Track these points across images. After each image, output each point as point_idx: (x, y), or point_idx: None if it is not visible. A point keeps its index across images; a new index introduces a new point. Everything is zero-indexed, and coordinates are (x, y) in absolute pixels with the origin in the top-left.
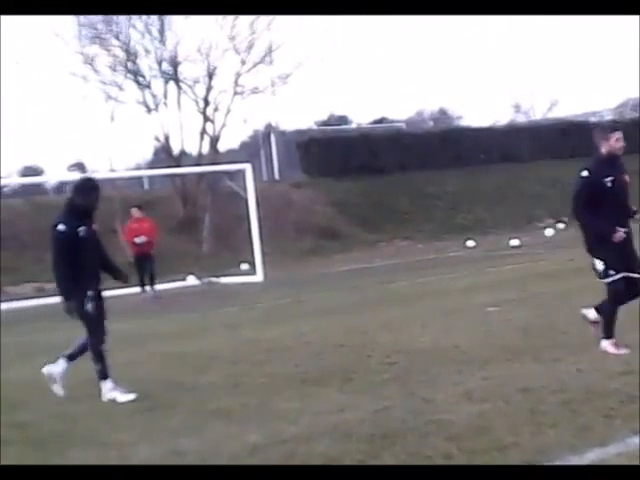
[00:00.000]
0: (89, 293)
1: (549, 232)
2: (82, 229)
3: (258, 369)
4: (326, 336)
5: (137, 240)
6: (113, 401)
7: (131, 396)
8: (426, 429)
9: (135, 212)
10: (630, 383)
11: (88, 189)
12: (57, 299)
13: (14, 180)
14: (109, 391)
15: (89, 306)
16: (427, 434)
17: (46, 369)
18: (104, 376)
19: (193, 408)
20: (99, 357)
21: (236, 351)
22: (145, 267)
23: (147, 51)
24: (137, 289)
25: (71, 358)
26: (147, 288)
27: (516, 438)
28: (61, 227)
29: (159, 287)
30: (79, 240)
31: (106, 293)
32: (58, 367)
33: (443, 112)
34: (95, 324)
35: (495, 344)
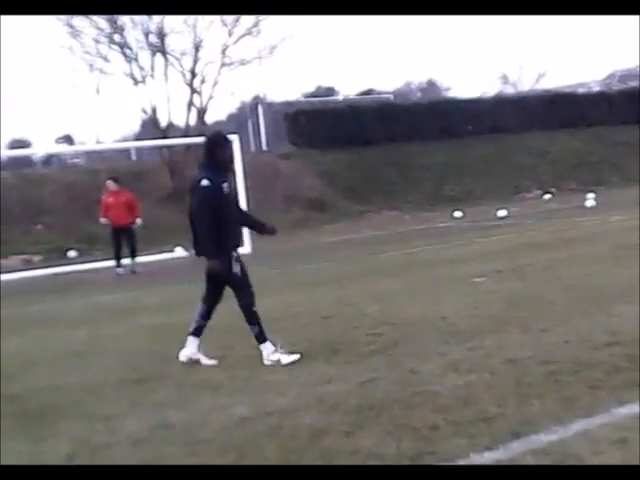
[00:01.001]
0: (234, 254)
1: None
2: (225, 185)
3: (246, 341)
4: (313, 308)
5: (102, 220)
6: (276, 363)
7: (295, 356)
8: (412, 400)
9: (111, 185)
10: (616, 354)
11: (225, 142)
12: (46, 271)
13: (2, 153)
14: (271, 353)
15: (237, 268)
16: (413, 405)
17: (182, 356)
18: (263, 339)
19: (181, 380)
20: (254, 319)
21: (223, 322)
22: (121, 241)
23: (134, 23)
24: (112, 262)
25: (197, 333)
26: (124, 262)
27: (502, 409)
28: (205, 182)
29: (147, 259)
30: (224, 196)
31: (97, 265)
32: (191, 347)
33: (431, 83)
34: (244, 285)
35: (482, 315)
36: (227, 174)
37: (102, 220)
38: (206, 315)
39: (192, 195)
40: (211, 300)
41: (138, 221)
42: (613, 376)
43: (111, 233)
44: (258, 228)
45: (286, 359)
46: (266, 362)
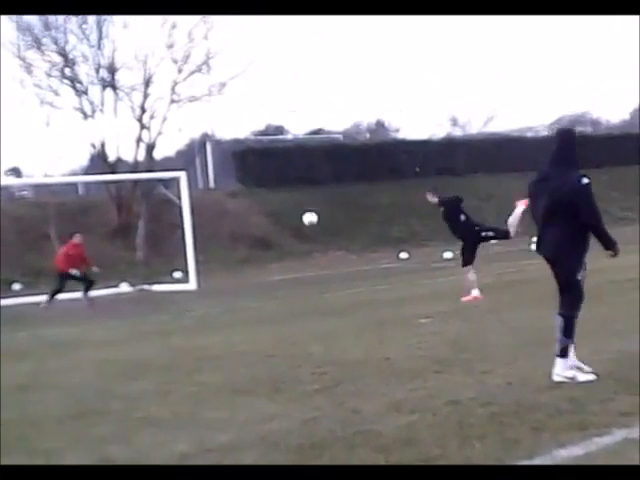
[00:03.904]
0: (584, 259)
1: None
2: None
3: (188, 378)
4: (257, 346)
5: (73, 272)
6: (570, 380)
7: (591, 377)
8: (354, 440)
9: (77, 238)
10: (558, 397)
11: (575, 136)
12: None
13: None
14: (566, 369)
15: (581, 274)
16: (355, 445)
17: (556, 376)
18: (564, 353)
19: (123, 415)
20: (572, 332)
21: (167, 359)
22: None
23: (85, 57)
24: (44, 297)
25: (563, 354)
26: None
27: (443, 450)
28: (587, 180)
29: (92, 294)
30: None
31: (40, 299)
32: (563, 365)
33: (380, 124)
34: (582, 296)
35: (425, 356)
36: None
37: (73, 272)
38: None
39: (545, 192)
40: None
41: (94, 269)
42: (555, 418)
43: (60, 276)
44: (606, 243)
45: (582, 377)
46: (556, 378)
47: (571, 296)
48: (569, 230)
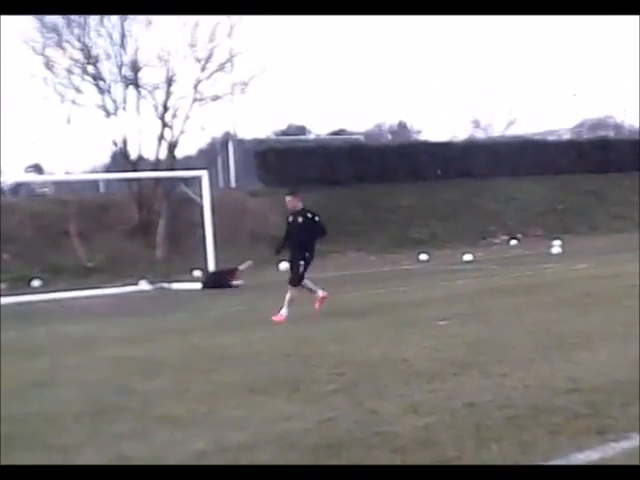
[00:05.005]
0: None
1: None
2: None
3: (206, 376)
4: (275, 345)
5: None
6: None
7: None
8: (371, 441)
9: None
10: (576, 401)
11: None
12: (10, 299)
13: None
14: None
15: None
16: (372, 446)
17: None
18: None
19: (140, 413)
20: None
21: (185, 358)
22: None
23: (107, 55)
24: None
25: None
26: None
27: (460, 452)
28: None
29: (110, 291)
30: None
31: (59, 295)
32: None
33: (402, 126)
34: None
35: (443, 358)
36: None
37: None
38: None
39: None
40: None
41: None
42: (572, 422)
43: None
44: None
45: None
46: None
47: None
48: None
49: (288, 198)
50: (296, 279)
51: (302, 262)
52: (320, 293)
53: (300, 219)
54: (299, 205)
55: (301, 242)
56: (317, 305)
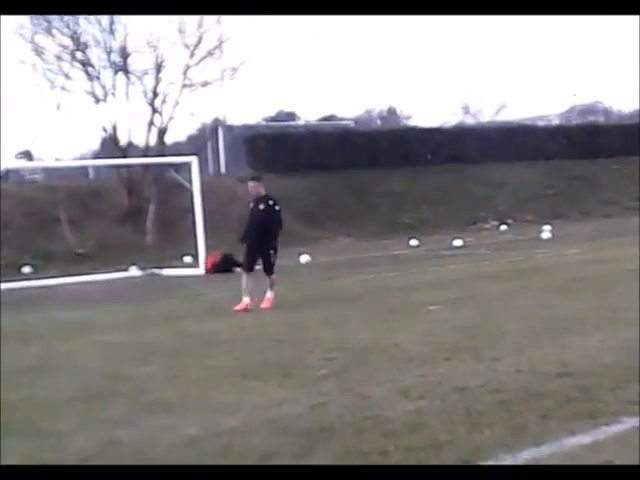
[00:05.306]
0: None
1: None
2: None
3: (198, 362)
4: (267, 331)
5: None
6: None
7: None
8: (362, 425)
9: None
10: (567, 385)
11: None
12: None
13: None
14: None
15: None
16: (363, 430)
17: None
18: None
19: (132, 399)
20: None
21: (176, 343)
22: None
23: (97, 42)
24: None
25: None
26: None
27: (451, 436)
28: None
29: (102, 277)
30: None
31: (49, 282)
32: None
33: (392, 111)
34: None
35: (434, 342)
36: None
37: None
38: None
39: None
40: None
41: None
42: (564, 406)
43: None
44: None
45: None
46: None
47: None
48: None
49: (251, 184)
50: (270, 268)
51: (272, 251)
52: (247, 300)
53: (262, 206)
54: (262, 191)
55: (267, 230)
56: (238, 307)
